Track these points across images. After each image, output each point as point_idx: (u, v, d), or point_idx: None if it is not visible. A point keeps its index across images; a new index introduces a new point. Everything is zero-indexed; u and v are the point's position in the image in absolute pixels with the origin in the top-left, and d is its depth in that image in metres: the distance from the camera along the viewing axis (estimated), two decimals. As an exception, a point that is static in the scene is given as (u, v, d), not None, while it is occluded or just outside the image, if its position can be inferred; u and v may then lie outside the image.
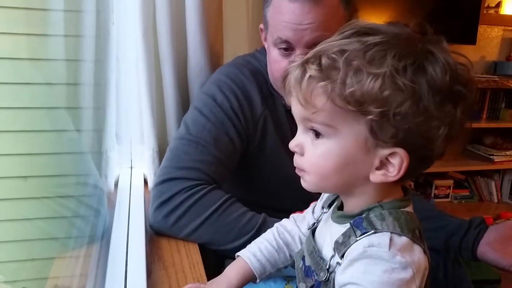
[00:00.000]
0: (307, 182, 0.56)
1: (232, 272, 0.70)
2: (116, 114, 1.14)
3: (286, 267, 0.74)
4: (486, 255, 0.90)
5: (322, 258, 0.57)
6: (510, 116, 2.72)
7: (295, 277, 0.85)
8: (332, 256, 0.55)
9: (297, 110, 0.54)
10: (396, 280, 0.47)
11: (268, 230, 0.75)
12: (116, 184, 1.14)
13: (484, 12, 2.63)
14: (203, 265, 0.80)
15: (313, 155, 0.54)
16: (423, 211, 0.97)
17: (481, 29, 2.65)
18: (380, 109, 0.47)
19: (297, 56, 0.58)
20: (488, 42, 2.81)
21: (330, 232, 0.59)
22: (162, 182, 0.89)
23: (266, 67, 1.01)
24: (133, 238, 0.84)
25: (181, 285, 0.71)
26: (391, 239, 0.49)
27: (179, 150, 0.92)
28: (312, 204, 0.74)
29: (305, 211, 0.75)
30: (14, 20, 0.93)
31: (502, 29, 2.81)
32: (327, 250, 0.58)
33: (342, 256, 0.52)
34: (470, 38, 2.54)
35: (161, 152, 1.14)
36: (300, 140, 0.55)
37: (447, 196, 2.78)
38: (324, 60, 0.49)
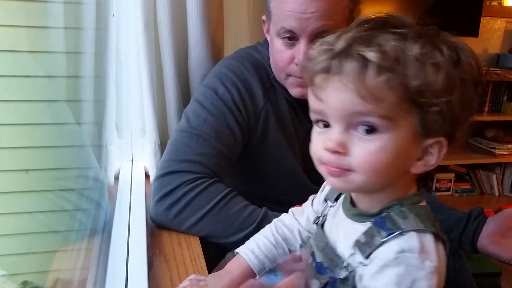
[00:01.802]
0: (351, 182, 0.52)
1: (233, 267, 0.71)
2: (117, 107, 1.14)
3: None
4: (486, 248, 0.90)
5: (337, 255, 0.57)
6: (512, 109, 2.71)
7: None
8: (352, 255, 0.54)
9: (345, 104, 0.49)
10: (425, 286, 0.48)
11: (266, 226, 0.75)
12: (116, 178, 1.14)
13: (487, 3, 2.61)
14: (204, 258, 0.81)
15: (367, 152, 0.50)
16: (428, 203, 0.97)
17: (484, 21, 2.63)
18: (438, 100, 0.48)
19: (312, 46, 0.54)
20: (491, 35, 2.79)
21: (344, 228, 0.58)
22: (163, 175, 0.88)
23: (268, 59, 1.01)
24: (134, 231, 0.85)
25: (182, 278, 0.71)
26: (420, 241, 0.49)
27: (180, 143, 0.92)
28: (311, 197, 0.74)
29: (304, 204, 0.75)
30: (13, 12, 0.93)
31: (505, 21, 2.79)
32: (342, 247, 0.57)
33: (367, 257, 0.52)
34: (473, 30, 2.52)
35: (162, 145, 1.14)
36: (342, 139, 0.51)
37: (448, 189, 2.78)
38: (389, 49, 0.48)
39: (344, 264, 0.54)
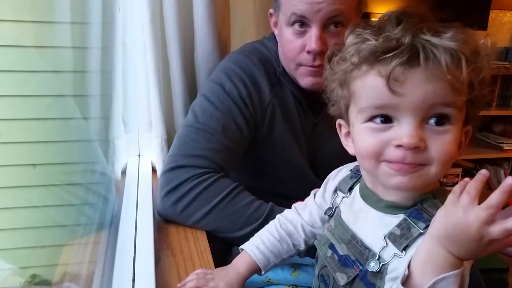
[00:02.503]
0: (423, 177, 0.52)
1: (239, 262, 0.71)
2: (123, 102, 1.14)
3: (291, 257, 0.74)
4: None
5: (366, 248, 0.56)
6: (521, 104, 2.69)
7: (303, 264, 0.86)
8: (384, 247, 0.54)
9: (430, 96, 0.49)
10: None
11: (270, 222, 0.76)
12: (123, 172, 1.14)
13: (496, -3, 2.58)
14: (211, 252, 0.81)
15: (444, 143, 0.50)
16: None
17: (493, 14, 2.60)
18: (484, 91, 0.52)
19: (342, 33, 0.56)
20: (500, 28, 2.75)
21: (371, 220, 0.58)
22: (170, 170, 0.89)
23: (275, 54, 1.00)
24: (141, 225, 0.85)
25: (189, 272, 0.72)
26: None
27: (187, 137, 0.92)
28: (313, 191, 0.74)
29: (306, 199, 0.75)
30: (20, 7, 0.93)
31: (514, 14, 2.75)
32: (370, 239, 0.57)
33: (404, 249, 0.52)
34: (481, 23, 2.50)
35: (169, 140, 1.14)
36: (420, 133, 0.50)
37: (455, 184, 2.75)
38: (468, 41, 0.50)
39: (376, 257, 0.54)
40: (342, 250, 0.59)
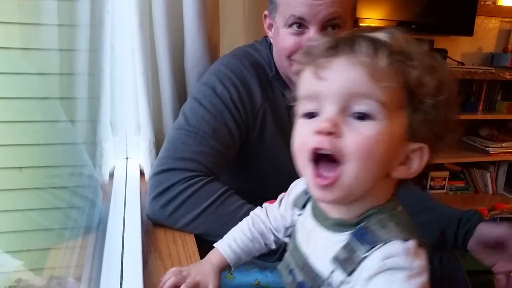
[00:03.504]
0: (345, 182, 0.49)
1: (212, 257, 0.73)
2: (111, 105, 1.13)
3: (261, 255, 0.75)
4: (473, 253, 0.89)
5: (317, 274, 0.54)
6: (506, 108, 2.72)
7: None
8: (332, 272, 0.52)
9: (349, 82, 0.48)
10: (417, 285, 0.46)
11: (244, 220, 0.76)
12: (111, 175, 1.13)
13: (482, 3, 2.62)
14: (200, 255, 0.80)
15: (360, 135, 0.47)
16: (417, 203, 0.98)
17: (479, 20, 2.64)
18: (428, 99, 0.49)
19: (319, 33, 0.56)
20: (486, 34, 2.80)
21: (321, 241, 0.56)
22: (159, 173, 0.88)
23: (267, 58, 1.01)
24: (129, 229, 0.84)
25: (178, 276, 0.71)
26: (403, 247, 0.48)
27: (177, 140, 0.92)
28: (280, 196, 0.73)
29: (274, 203, 0.74)
30: (6, 8, 0.92)
31: (500, 20, 2.80)
32: (321, 263, 0.54)
33: (350, 274, 0.50)
34: (468, 29, 2.53)
35: (157, 143, 1.13)
36: (337, 119, 0.48)
37: (442, 187, 2.79)
38: (399, 37, 0.50)
39: (327, 283, 0.52)
40: (299, 275, 0.57)
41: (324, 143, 0.48)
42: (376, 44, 0.48)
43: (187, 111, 0.95)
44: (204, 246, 0.84)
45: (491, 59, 2.82)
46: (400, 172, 0.51)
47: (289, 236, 0.65)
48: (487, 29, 2.80)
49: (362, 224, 0.51)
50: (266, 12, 0.99)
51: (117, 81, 1.14)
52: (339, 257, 0.51)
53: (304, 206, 0.62)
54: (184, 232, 0.88)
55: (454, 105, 0.52)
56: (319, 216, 0.57)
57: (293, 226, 0.64)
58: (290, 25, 0.90)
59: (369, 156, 0.48)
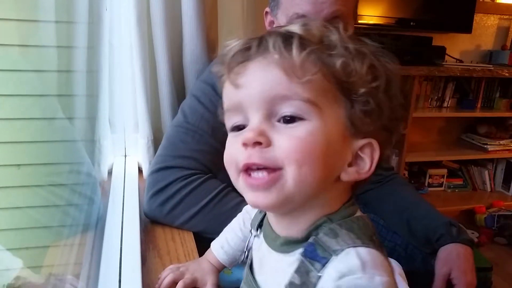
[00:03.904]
0: (285, 187, 0.43)
1: (210, 255, 0.72)
2: (110, 102, 1.13)
3: None
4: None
5: None
6: (504, 106, 2.73)
7: None
8: None
9: (267, 86, 0.43)
10: None
11: (235, 218, 0.74)
12: (109, 172, 1.13)
13: (480, 0, 2.62)
14: (198, 253, 0.80)
15: (293, 137, 0.43)
16: (405, 210, 1.01)
17: (477, 17, 2.64)
18: (363, 87, 0.44)
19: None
20: (484, 31, 2.80)
21: (271, 265, 0.50)
22: (158, 170, 0.88)
23: None
24: (127, 226, 0.84)
25: (176, 273, 0.71)
26: (359, 257, 0.41)
27: (176, 138, 0.92)
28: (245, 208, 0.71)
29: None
30: (3, 5, 0.91)
31: (498, 17, 2.80)
32: None
33: None
34: (466, 26, 2.53)
35: (155, 141, 1.13)
36: (262, 127, 0.44)
37: (441, 185, 2.80)
38: (313, 28, 0.45)
39: None
40: None
41: (254, 157, 0.43)
42: (287, 38, 0.44)
43: (186, 109, 0.95)
44: (203, 243, 0.84)
45: (489, 57, 2.83)
46: (350, 174, 0.46)
47: (245, 262, 0.59)
48: (486, 27, 2.80)
49: (311, 238, 0.45)
50: (267, 9, 0.99)
51: (116, 78, 1.14)
52: (294, 283, 0.44)
53: (259, 227, 0.56)
54: (182, 229, 0.88)
55: (396, 90, 0.47)
56: (269, 236, 0.51)
57: (247, 250, 0.59)
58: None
59: (306, 159, 0.43)
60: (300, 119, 0.43)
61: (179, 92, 1.17)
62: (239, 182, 0.47)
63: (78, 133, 0.96)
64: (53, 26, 0.85)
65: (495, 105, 2.78)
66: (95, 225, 0.91)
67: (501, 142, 2.71)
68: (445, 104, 2.69)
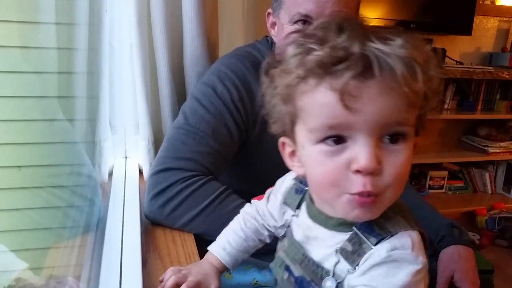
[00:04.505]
0: (380, 206, 0.48)
1: (211, 258, 0.72)
2: (110, 104, 1.13)
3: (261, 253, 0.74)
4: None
5: (319, 266, 0.54)
6: (505, 108, 2.73)
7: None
8: (337, 263, 0.51)
9: (386, 113, 0.44)
10: (417, 281, 0.47)
11: (234, 220, 0.75)
12: (110, 174, 1.13)
13: (480, 2, 2.63)
14: (199, 255, 0.80)
15: (399, 165, 0.46)
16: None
17: (477, 20, 2.64)
18: (433, 101, 0.48)
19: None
20: (484, 33, 2.80)
21: (321, 238, 0.55)
22: (158, 172, 0.88)
23: (268, 58, 1.01)
24: (128, 228, 0.84)
25: (177, 275, 0.71)
26: (411, 239, 0.48)
27: (176, 140, 0.92)
28: (267, 191, 0.72)
29: (262, 200, 0.73)
30: (5, 7, 0.92)
31: (498, 20, 2.80)
32: (322, 257, 0.54)
33: (357, 265, 0.49)
34: (466, 29, 2.54)
35: (156, 142, 1.13)
36: (377, 155, 0.45)
37: (441, 187, 2.80)
38: (420, 47, 0.46)
39: (330, 274, 0.52)
40: (297, 271, 0.57)
41: (368, 186, 0.45)
42: (409, 65, 0.44)
43: (187, 110, 0.95)
44: (203, 245, 0.84)
45: (489, 59, 2.83)
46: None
47: (284, 235, 0.63)
48: (486, 29, 2.80)
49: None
50: (269, 10, 0.99)
51: (116, 80, 1.14)
52: (344, 249, 0.51)
53: (298, 207, 0.61)
54: (183, 231, 0.87)
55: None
56: (317, 217, 0.56)
57: (286, 226, 0.63)
58: (295, 22, 0.89)
59: (402, 181, 0.48)
60: (403, 139, 0.46)
61: (179, 94, 1.17)
62: (342, 200, 0.47)
63: (78, 135, 0.96)
64: (53, 28, 0.85)
65: (496, 107, 2.79)
66: (95, 227, 0.91)
67: (502, 144, 2.71)
68: (446, 106, 2.69)
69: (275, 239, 0.73)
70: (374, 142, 0.45)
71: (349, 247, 0.50)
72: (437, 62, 0.48)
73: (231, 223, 0.75)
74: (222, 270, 0.72)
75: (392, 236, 0.48)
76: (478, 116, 2.73)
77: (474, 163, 2.81)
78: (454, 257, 0.90)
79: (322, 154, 0.47)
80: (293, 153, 0.56)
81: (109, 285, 0.68)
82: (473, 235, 2.34)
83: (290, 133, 0.53)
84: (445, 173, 2.79)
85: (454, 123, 2.83)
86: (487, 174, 2.83)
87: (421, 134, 0.51)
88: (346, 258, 0.50)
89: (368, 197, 0.46)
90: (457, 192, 2.82)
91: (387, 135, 0.46)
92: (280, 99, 0.51)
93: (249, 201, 0.89)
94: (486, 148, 2.69)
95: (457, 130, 2.87)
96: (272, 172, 1.03)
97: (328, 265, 0.52)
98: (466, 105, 2.70)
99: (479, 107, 2.77)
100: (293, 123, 0.51)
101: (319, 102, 0.46)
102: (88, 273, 0.77)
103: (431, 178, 2.77)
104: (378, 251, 0.48)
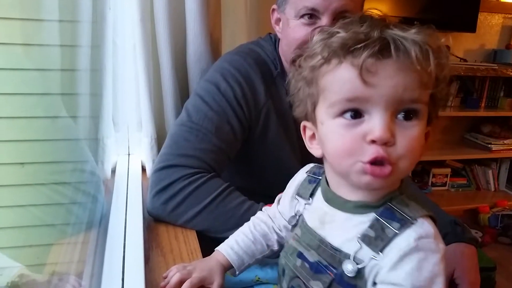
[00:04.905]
0: (396, 175, 0.51)
1: (217, 255, 0.72)
2: (113, 101, 1.13)
3: (265, 257, 0.74)
4: None
5: (337, 250, 0.55)
6: (508, 105, 2.72)
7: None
8: (359, 249, 0.53)
9: (400, 89, 0.49)
10: (441, 269, 0.49)
11: (245, 224, 0.76)
12: (113, 171, 1.13)
13: (485, -1, 2.61)
14: (201, 252, 0.81)
15: (411, 138, 0.50)
16: None
17: (481, 16, 2.63)
18: (445, 88, 0.53)
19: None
20: (488, 30, 2.79)
21: (338, 222, 0.57)
22: (161, 169, 0.88)
23: (271, 55, 1.01)
24: (131, 225, 0.84)
25: (179, 272, 0.71)
26: (432, 226, 0.51)
27: (179, 137, 0.92)
28: (278, 196, 0.74)
29: (273, 204, 0.74)
30: (8, 5, 0.92)
31: (502, 16, 2.79)
32: (340, 241, 0.55)
33: (381, 251, 0.51)
34: (470, 25, 2.53)
35: (159, 139, 1.13)
36: (391, 128, 0.49)
37: (444, 184, 2.79)
38: (433, 36, 0.51)
39: (351, 258, 0.53)
40: (312, 256, 0.58)
41: (380, 153, 0.49)
42: (423, 47, 0.49)
43: (190, 108, 0.95)
44: (206, 242, 0.84)
45: (493, 56, 2.82)
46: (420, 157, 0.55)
47: (295, 225, 0.64)
48: (490, 26, 2.79)
49: (386, 204, 0.54)
50: (274, 6, 0.99)
51: (119, 77, 1.14)
52: (367, 236, 0.52)
53: (311, 195, 0.63)
54: (185, 228, 0.88)
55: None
56: (334, 201, 0.58)
57: (298, 215, 0.64)
58: (301, 16, 0.89)
59: (417, 155, 0.51)
60: (417, 117, 0.51)
61: (182, 91, 1.18)
62: (356, 168, 0.51)
63: (81, 132, 0.96)
64: (56, 25, 0.85)
65: (499, 104, 2.77)
66: (98, 224, 0.91)
67: (505, 141, 2.70)
68: (449, 103, 2.69)
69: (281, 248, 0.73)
70: (389, 116, 0.49)
71: (372, 233, 0.52)
72: (448, 55, 0.52)
73: (241, 227, 0.76)
74: (228, 268, 0.72)
75: (412, 223, 0.51)
76: (482, 113, 2.72)
77: (477, 160, 2.81)
78: (456, 254, 0.90)
79: (341, 127, 0.52)
80: (313, 136, 0.60)
81: (112, 282, 0.68)
82: (476, 233, 2.33)
83: (312, 114, 0.57)
84: (448, 171, 2.79)
85: (458, 120, 2.82)
86: (490, 172, 2.83)
87: (434, 121, 0.55)
88: (369, 244, 0.52)
89: (381, 167, 0.49)
90: (460, 190, 2.82)
91: (402, 111, 0.50)
92: (305, 82, 0.56)
93: (252, 199, 0.89)
94: (489, 145, 2.68)
95: (461, 127, 2.87)
96: (274, 169, 1.04)
97: (347, 249, 0.54)
98: (469, 102, 2.69)
99: (483, 104, 2.76)
100: (314, 103, 0.56)
101: (340, 78, 0.51)
102: (91, 269, 0.77)
103: (434, 176, 2.76)
104: (406, 240, 0.50)
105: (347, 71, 0.50)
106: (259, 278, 0.85)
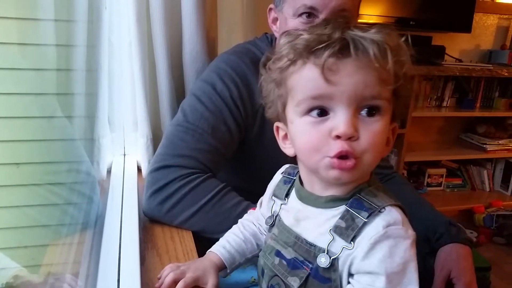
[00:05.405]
0: (361, 169, 0.54)
1: (210, 255, 0.73)
2: (109, 101, 1.13)
3: (254, 256, 0.75)
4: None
5: (312, 245, 0.57)
6: (503, 105, 2.73)
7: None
8: (331, 241, 0.55)
9: (360, 87, 0.51)
10: (411, 254, 0.52)
11: (234, 226, 0.77)
12: (108, 171, 1.13)
13: (480, 0, 2.62)
14: (197, 252, 0.80)
15: (374, 133, 0.53)
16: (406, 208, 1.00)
17: (477, 17, 2.64)
18: (408, 85, 0.55)
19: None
20: (484, 31, 2.80)
21: (312, 218, 0.59)
22: (157, 169, 0.88)
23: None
24: (126, 225, 0.84)
25: (175, 273, 0.71)
26: (400, 213, 0.54)
27: (175, 137, 0.92)
28: (260, 199, 0.75)
29: (256, 208, 0.76)
30: (3, 3, 0.91)
31: (498, 17, 2.80)
32: (315, 236, 0.58)
33: (352, 240, 0.53)
34: (466, 26, 2.53)
35: (155, 139, 1.13)
36: (354, 123, 0.52)
37: (439, 184, 2.80)
38: (393, 36, 0.53)
39: (324, 251, 0.55)
40: (289, 254, 0.60)
41: (344, 148, 0.52)
42: (381, 46, 0.51)
43: (186, 108, 0.95)
44: (202, 242, 0.84)
45: (489, 56, 2.83)
46: (385, 152, 0.57)
47: (272, 225, 0.66)
48: (485, 26, 2.80)
49: (355, 196, 0.56)
50: (271, 6, 0.99)
51: (115, 77, 1.14)
52: (338, 227, 0.55)
53: (286, 195, 0.65)
54: (181, 228, 0.88)
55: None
56: (307, 198, 0.61)
57: (275, 215, 0.66)
58: (300, 15, 0.89)
59: (381, 149, 0.54)
60: (379, 113, 0.53)
61: (178, 91, 1.17)
62: (323, 163, 0.54)
63: (77, 132, 0.96)
64: (52, 25, 0.84)
65: (494, 105, 2.79)
66: (94, 224, 0.91)
67: (500, 141, 2.71)
68: (445, 104, 2.69)
69: None
70: (352, 113, 0.52)
71: (343, 224, 0.55)
72: (409, 53, 0.54)
73: (231, 229, 0.77)
74: (221, 268, 0.72)
75: (380, 211, 0.53)
76: (477, 113, 2.73)
77: (472, 160, 2.82)
78: (451, 255, 0.90)
79: (308, 124, 0.54)
80: (285, 136, 0.62)
81: (108, 282, 0.68)
82: (471, 233, 2.34)
83: (282, 114, 0.60)
84: (443, 171, 2.80)
85: (453, 120, 2.83)
86: (485, 172, 2.84)
87: (398, 119, 0.58)
88: (341, 235, 0.54)
89: (346, 161, 0.52)
90: (455, 190, 2.83)
91: (364, 107, 0.52)
92: (274, 84, 0.59)
93: (248, 199, 0.89)
94: (484, 145, 2.69)
95: (456, 127, 2.88)
96: (271, 169, 1.03)
97: (321, 243, 0.56)
98: (465, 102, 2.70)
99: (478, 105, 2.77)
100: (284, 103, 0.58)
101: (304, 77, 0.54)
102: (87, 270, 0.77)
103: (429, 176, 2.77)
104: (375, 228, 0.52)
105: (311, 71, 0.53)
106: (254, 279, 0.85)
